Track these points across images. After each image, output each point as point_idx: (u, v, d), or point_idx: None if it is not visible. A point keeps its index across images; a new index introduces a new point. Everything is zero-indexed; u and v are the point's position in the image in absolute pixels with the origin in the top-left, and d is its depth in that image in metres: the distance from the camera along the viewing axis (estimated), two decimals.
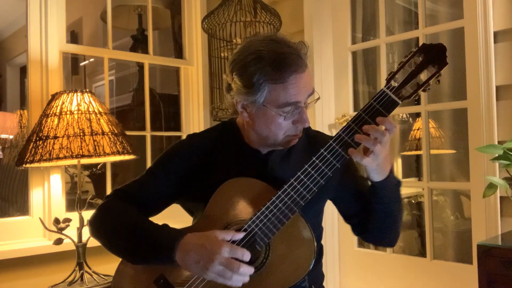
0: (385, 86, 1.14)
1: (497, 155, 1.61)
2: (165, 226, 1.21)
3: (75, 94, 1.98)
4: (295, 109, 1.19)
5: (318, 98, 1.27)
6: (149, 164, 2.59)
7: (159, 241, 1.16)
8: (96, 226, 1.29)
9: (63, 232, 1.99)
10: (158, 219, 1.30)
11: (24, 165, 1.90)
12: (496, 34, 1.90)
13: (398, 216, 1.30)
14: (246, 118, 1.26)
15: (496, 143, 1.87)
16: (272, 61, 1.15)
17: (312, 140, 1.35)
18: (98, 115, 1.97)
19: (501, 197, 1.87)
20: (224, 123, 1.40)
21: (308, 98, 1.21)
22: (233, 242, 1.13)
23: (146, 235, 1.18)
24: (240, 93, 1.20)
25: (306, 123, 1.21)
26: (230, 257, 1.09)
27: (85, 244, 1.99)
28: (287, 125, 1.21)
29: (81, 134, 1.88)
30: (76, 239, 2.00)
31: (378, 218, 1.27)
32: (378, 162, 1.14)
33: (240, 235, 1.14)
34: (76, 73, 3.89)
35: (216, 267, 1.09)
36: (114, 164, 2.59)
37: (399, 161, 3.07)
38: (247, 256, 1.11)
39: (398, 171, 3.12)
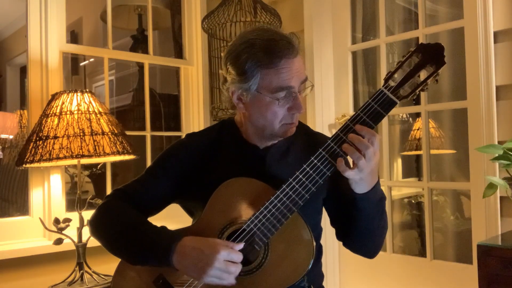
0: (383, 86, 1.14)
1: (497, 155, 1.61)
2: (163, 228, 1.21)
3: (75, 94, 1.98)
4: (289, 94, 1.19)
5: (312, 86, 1.29)
6: (149, 164, 2.58)
7: (157, 244, 1.16)
8: (96, 226, 1.29)
9: (63, 232, 1.99)
10: (157, 219, 1.30)
11: (24, 165, 1.90)
12: (496, 34, 1.90)
13: (379, 230, 1.28)
14: (242, 110, 1.27)
15: (496, 143, 1.87)
16: (263, 47, 1.17)
17: (311, 139, 1.35)
18: (98, 115, 1.97)
19: (501, 197, 1.87)
20: (222, 121, 1.40)
21: (302, 85, 1.22)
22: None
23: (144, 236, 1.19)
24: (234, 82, 1.22)
25: (301, 109, 1.21)
26: (227, 261, 1.11)
27: (85, 244, 1.99)
28: (282, 113, 1.21)
29: (81, 134, 1.88)
30: (76, 239, 2.00)
31: (357, 228, 1.25)
32: (362, 176, 1.13)
33: (239, 246, 1.14)
34: (76, 73, 3.89)
35: (214, 271, 1.10)
36: (114, 164, 2.59)
37: (399, 161, 3.07)
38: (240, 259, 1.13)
39: (398, 171, 3.12)
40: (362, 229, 1.25)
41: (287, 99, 1.20)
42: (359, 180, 1.14)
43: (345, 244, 1.35)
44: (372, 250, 1.33)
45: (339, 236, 1.36)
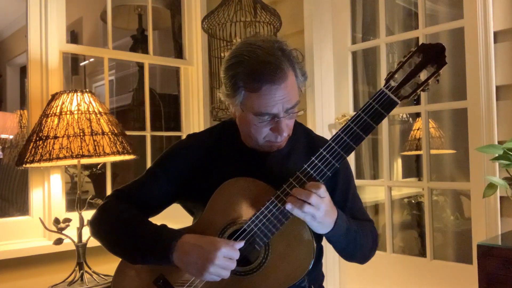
0: (384, 86, 1.14)
1: (497, 155, 1.61)
2: (164, 226, 1.21)
3: (75, 94, 1.98)
4: (272, 118, 1.18)
5: (303, 110, 1.26)
6: (149, 164, 2.59)
7: (157, 241, 1.16)
8: (96, 227, 1.29)
9: (63, 232, 1.99)
10: (157, 219, 1.30)
11: (24, 165, 1.90)
12: (496, 34, 1.90)
13: (356, 252, 1.30)
14: (234, 116, 1.28)
15: (496, 143, 1.87)
16: (249, 69, 1.15)
17: (314, 142, 1.35)
18: (98, 115, 1.97)
19: (501, 197, 1.87)
20: (223, 122, 1.40)
21: (291, 109, 1.18)
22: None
23: (145, 235, 1.19)
24: (223, 92, 1.22)
25: (284, 133, 1.20)
26: (227, 258, 1.11)
27: (85, 244, 1.99)
28: (266, 132, 1.21)
29: (81, 134, 1.88)
30: (76, 239, 2.00)
31: (337, 249, 1.30)
32: (318, 221, 1.14)
33: (240, 244, 1.14)
34: (76, 73, 3.89)
35: (214, 268, 1.10)
36: (114, 164, 2.59)
37: (399, 161, 3.07)
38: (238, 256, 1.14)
39: (398, 171, 3.12)
40: (339, 252, 1.30)
41: (269, 122, 1.19)
42: (318, 224, 1.15)
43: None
44: (358, 261, 1.36)
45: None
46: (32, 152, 1.87)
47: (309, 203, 1.10)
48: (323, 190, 1.12)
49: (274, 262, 1.16)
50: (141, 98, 2.99)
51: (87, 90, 2.04)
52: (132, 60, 3.34)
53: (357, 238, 1.27)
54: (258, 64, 1.14)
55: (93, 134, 1.89)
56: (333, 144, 1.14)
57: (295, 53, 1.21)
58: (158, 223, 1.23)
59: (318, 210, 1.11)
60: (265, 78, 1.13)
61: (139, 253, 1.19)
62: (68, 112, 1.93)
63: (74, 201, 2.02)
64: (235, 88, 1.17)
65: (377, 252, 1.35)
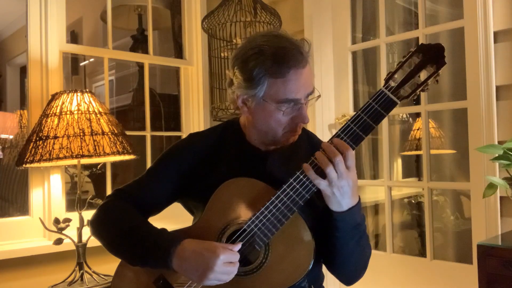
0: (383, 86, 1.14)
1: (497, 155, 1.61)
2: (163, 230, 1.21)
3: (75, 94, 1.98)
4: (295, 105, 1.19)
5: (319, 96, 1.27)
6: (149, 164, 2.59)
7: (156, 247, 1.15)
8: (97, 226, 1.29)
9: (63, 232, 1.99)
10: (157, 219, 1.30)
11: (24, 165, 1.90)
12: (496, 34, 1.90)
13: (354, 257, 1.24)
14: (246, 113, 1.26)
15: (496, 143, 1.87)
16: (272, 55, 1.15)
17: (314, 143, 1.35)
18: (98, 115, 1.97)
19: (501, 197, 1.87)
20: (226, 122, 1.40)
21: (309, 96, 1.20)
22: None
23: (144, 239, 1.18)
24: (240, 86, 1.21)
25: (306, 120, 1.21)
26: (227, 262, 1.10)
27: (85, 244, 1.99)
28: (286, 121, 1.21)
29: (81, 134, 1.88)
30: (76, 239, 2.00)
31: (331, 248, 1.21)
32: (334, 191, 1.11)
33: (237, 246, 1.13)
34: (76, 73, 3.89)
35: (214, 275, 1.10)
36: (114, 164, 2.59)
37: (399, 161, 3.07)
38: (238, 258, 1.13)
39: (398, 171, 3.12)
40: (335, 250, 1.22)
41: (292, 110, 1.19)
42: (331, 195, 1.12)
43: (324, 262, 1.32)
44: (347, 276, 1.30)
45: (320, 254, 1.28)
46: (32, 152, 1.87)
47: (334, 166, 1.08)
48: (351, 159, 1.10)
49: (274, 262, 1.16)
50: (141, 98, 2.99)
51: (87, 90, 2.04)
52: (132, 60, 3.34)
53: (361, 241, 1.23)
54: (282, 50, 1.15)
55: (93, 134, 1.89)
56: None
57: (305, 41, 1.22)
58: (158, 223, 1.23)
59: (340, 179, 1.09)
60: (292, 62, 1.15)
61: (138, 256, 1.19)
62: (68, 112, 1.93)
63: (74, 201, 2.02)
64: (257, 78, 1.16)
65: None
